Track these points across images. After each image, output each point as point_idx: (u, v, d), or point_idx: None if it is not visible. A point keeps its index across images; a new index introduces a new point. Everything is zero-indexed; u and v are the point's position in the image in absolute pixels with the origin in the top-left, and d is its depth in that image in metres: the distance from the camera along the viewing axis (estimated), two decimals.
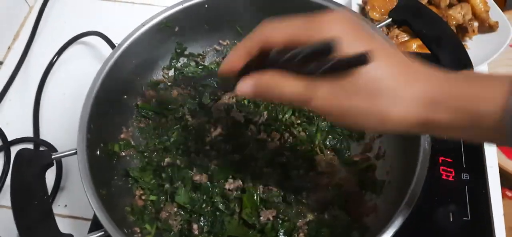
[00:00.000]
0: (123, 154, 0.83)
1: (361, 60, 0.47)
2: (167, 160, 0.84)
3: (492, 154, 0.91)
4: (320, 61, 0.49)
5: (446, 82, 0.50)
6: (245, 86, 0.55)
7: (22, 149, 0.71)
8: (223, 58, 0.94)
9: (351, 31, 0.50)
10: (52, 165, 0.71)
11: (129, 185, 0.81)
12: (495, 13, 1.10)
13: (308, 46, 0.49)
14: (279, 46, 0.53)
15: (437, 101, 0.49)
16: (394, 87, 0.49)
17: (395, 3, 0.85)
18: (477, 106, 0.47)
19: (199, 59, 0.94)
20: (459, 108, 0.48)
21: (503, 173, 1.05)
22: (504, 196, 1.08)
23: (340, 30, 0.49)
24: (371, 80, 0.49)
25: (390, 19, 0.82)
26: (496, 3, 1.12)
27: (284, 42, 0.52)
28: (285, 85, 0.52)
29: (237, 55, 0.58)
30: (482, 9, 1.10)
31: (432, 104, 0.49)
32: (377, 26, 0.80)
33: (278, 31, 0.53)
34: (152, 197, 0.80)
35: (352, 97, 0.50)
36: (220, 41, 0.94)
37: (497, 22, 1.08)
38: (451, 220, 0.82)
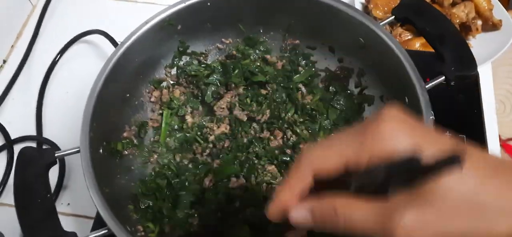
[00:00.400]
0: (126, 152, 0.83)
1: (452, 163, 0.37)
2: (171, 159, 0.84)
3: (494, 152, 0.91)
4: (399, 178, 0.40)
5: None
6: (300, 213, 0.45)
7: (25, 147, 0.71)
8: (226, 56, 0.94)
9: (419, 134, 0.41)
10: (55, 163, 0.71)
11: (132, 184, 0.81)
12: (499, 12, 1.10)
13: (389, 164, 0.40)
14: (331, 175, 0.44)
15: None
16: (494, 197, 0.40)
17: (398, 1, 0.84)
18: None
19: (201, 57, 0.93)
20: None
21: None
22: None
23: (406, 136, 0.41)
24: (465, 194, 0.39)
25: (393, 17, 0.82)
26: (500, 1, 1.11)
27: (339, 169, 0.43)
28: (352, 211, 0.42)
29: (287, 193, 0.47)
30: (486, 8, 1.09)
31: None
32: (380, 24, 0.80)
33: (328, 158, 0.44)
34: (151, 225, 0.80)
35: (448, 218, 0.39)
36: (223, 39, 0.94)
37: (500, 21, 1.08)
38: None
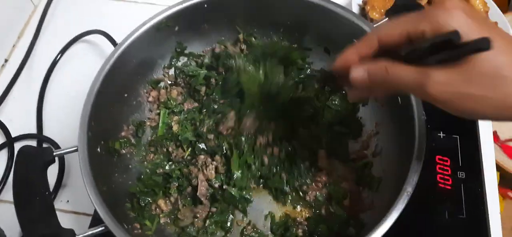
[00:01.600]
0: (124, 151, 0.85)
1: (482, 45, 0.47)
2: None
3: (488, 153, 0.91)
4: (441, 53, 0.50)
5: None
6: (359, 72, 0.57)
7: (25, 146, 0.73)
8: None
9: (469, 20, 0.50)
10: (54, 161, 0.72)
11: (130, 182, 0.83)
12: (495, 14, 1.10)
13: (433, 38, 0.51)
14: (395, 42, 0.55)
15: None
16: None
17: None
18: None
19: (199, 59, 0.95)
20: None
21: (505, 174, 1.06)
22: (506, 196, 1.09)
23: (458, 20, 0.50)
24: (492, 67, 0.49)
25: (387, 19, 0.83)
26: (498, 4, 1.12)
27: (401, 38, 0.54)
28: (399, 70, 0.53)
29: (353, 52, 0.59)
30: (482, 10, 1.10)
31: None
32: (375, 26, 0.81)
33: (394, 28, 0.55)
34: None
35: (470, 84, 0.50)
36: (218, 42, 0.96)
37: (496, 23, 1.08)
38: (447, 217, 0.83)
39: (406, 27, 0.53)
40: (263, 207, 0.85)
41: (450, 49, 0.49)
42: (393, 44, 0.55)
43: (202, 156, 0.85)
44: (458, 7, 0.50)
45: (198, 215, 0.81)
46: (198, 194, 0.81)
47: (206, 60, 0.94)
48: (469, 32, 0.49)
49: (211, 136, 0.87)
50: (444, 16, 0.50)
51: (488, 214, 0.83)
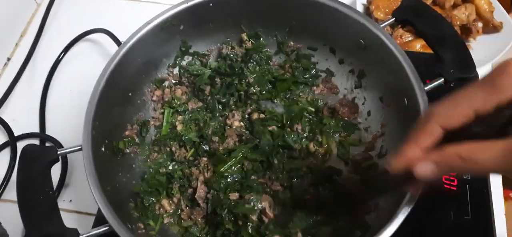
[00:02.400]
0: (128, 150, 0.84)
1: None
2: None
3: None
4: None
5: None
6: (427, 167, 0.49)
7: (28, 145, 0.72)
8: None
9: None
10: (58, 161, 0.72)
11: (134, 182, 0.82)
12: (500, 14, 1.10)
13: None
14: (460, 125, 0.48)
15: None
16: None
17: (399, 3, 0.85)
18: None
19: (204, 59, 0.94)
20: None
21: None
22: (508, 198, 1.08)
23: None
24: None
25: (394, 19, 0.83)
26: (503, 4, 1.11)
27: (467, 118, 0.48)
28: (479, 152, 0.46)
29: (414, 147, 0.52)
30: (487, 10, 1.10)
31: None
32: (381, 26, 0.80)
33: (456, 109, 0.49)
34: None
35: None
36: (223, 45, 0.95)
37: (501, 23, 1.08)
38: (452, 218, 0.82)
39: (473, 105, 0.47)
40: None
41: None
42: (458, 126, 0.49)
43: (204, 159, 0.85)
44: None
45: (193, 217, 0.81)
46: (196, 196, 0.80)
47: (211, 60, 0.94)
48: None
49: (215, 138, 0.86)
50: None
51: (493, 215, 0.83)
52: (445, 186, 0.86)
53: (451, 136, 0.49)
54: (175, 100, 0.90)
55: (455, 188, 0.86)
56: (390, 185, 0.64)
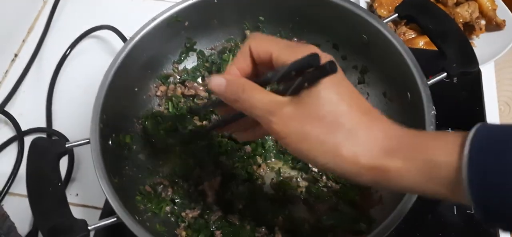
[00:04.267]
0: (134, 145, 0.85)
1: (328, 68, 0.45)
2: None
3: None
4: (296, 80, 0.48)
5: (405, 134, 0.49)
6: (218, 81, 0.54)
7: (37, 137, 0.74)
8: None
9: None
10: (66, 154, 0.73)
11: (140, 175, 0.83)
12: (503, 12, 1.11)
13: (292, 63, 0.49)
14: (262, 59, 0.54)
15: (394, 149, 0.47)
16: (354, 124, 0.48)
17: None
18: (433, 155, 0.45)
19: (207, 63, 0.96)
20: (415, 157, 0.46)
21: None
22: None
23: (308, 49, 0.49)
24: (334, 110, 0.47)
25: (396, 15, 0.83)
26: (506, 2, 1.12)
27: (266, 55, 0.53)
28: (255, 93, 0.51)
29: (232, 65, 0.57)
30: (490, 8, 1.10)
31: (388, 151, 0.47)
32: (384, 22, 0.81)
33: (262, 42, 0.54)
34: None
35: (313, 122, 0.48)
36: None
37: (504, 21, 1.09)
38: (455, 213, 0.83)
39: (271, 47, 0.52)
40: None
41: (305, 76, 0.47)
42: (261, 61, 0.54)
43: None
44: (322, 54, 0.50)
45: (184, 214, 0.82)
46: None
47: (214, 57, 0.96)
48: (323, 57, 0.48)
49: None
50: (310, 49, 0.49)
51: None
52: None
53: None
54: (174, 98, 0.91)
55: None
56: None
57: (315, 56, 0.46)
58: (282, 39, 0.54)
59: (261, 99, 0.50)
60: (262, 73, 0.56)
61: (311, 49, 0.50)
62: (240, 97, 0.51)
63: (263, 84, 0.53)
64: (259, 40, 0.54)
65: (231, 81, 0.53)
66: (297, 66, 0.48)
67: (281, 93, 0.50)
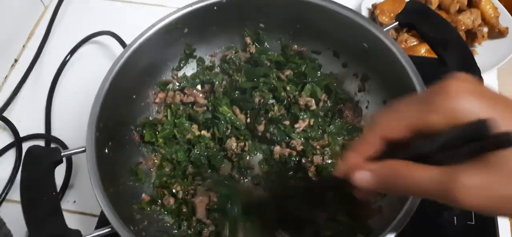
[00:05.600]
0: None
1: (506, 141, 0.40)
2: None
3: None
4: (462, 147, 0.42)
5: None
6: (363, 176, 0.49)
7: (32, 146, 0.73)
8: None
9: (483, 103, 0.42)
10: (62, 162, 0.72)
11: (137, 184, 0.83)
12: (505, 19, 1.10)
13: (452, 131, 0.42)
14: (402, 138, 0.47)
15: None
16: None
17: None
18: None
19: (207, 71, 0.96)
20: None
21: None
22: None
23: (473, 105, 0.42)
24: None
25: (397, 23, 0.83)
26: (508, 9, 1.11)
27: (408, 132, 0.46)
28: (415, 173, 0.45)
29: (355, 155, 0.51)
30: (492, 15, 1.09)
31: None
32: (384, 30, 0.80)
33: (396, 122, 0.47)
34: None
35: (508, 183, 0.41)
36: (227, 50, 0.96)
37: (507, 28, 1.08)
38: (455, 223, 0.82)
39: (411, 120, 0.45)
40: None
41: (473, 142, 0.41)
42: (400, 140, 0.47)
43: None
44: (466, 90, 0.43)
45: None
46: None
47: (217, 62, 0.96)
48: (496, 119, 0.40)
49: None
50: (453, 103, 0.42)
51: (497, 221, 0.83)
52: None
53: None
54: (172, 106, 0.91)
55: None
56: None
57: (483, 125, 0.40)
58: (408, 101, 0.47)
59: (428, 178, 0.44)
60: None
61: (457, 107, 0.42)
62: (396, 184, 0.46)
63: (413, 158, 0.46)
64: (391, 120, 0.48)
65: (378, 171, 0.48)
66: (463, 136, 0.42)
67: (437, 162, 0.44)
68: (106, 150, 0.76)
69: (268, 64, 0.93)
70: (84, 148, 0.71)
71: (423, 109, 0.45)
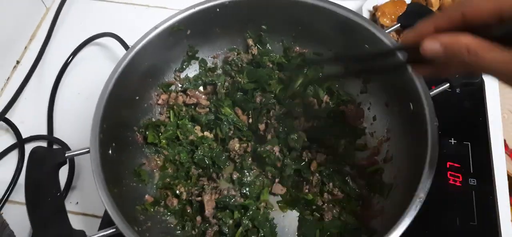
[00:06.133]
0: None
1: None
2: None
3: (500, 160, 0.91)
4: None
5: None
6: (433, 44, 0.50)
7: (37, 147, 0.73)
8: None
9: None
10: (65, 163, 0.72)
11: (140, 185, 0.83)
12: None
13: None
14: (483, 20, 0.48)
15: None
16: None
17: (405, 9, 0.85)
18: None
19: (209, 73, 0.96)
20: None
21: None
22: None
23: None
24: None
25: (399, 24, 0.83)
26: None
27: (492, 16, 0.47)
28: (489, 54, 0.46)
29: (429, 23, 0.52)
30: None
31: None
32: (386, 31, 0.81)
33: (484, 3, 0.48)
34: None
35: None
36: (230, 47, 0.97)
37: None
38: (458, 224, 0.82)
39: (500, 3, 0.46)
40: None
41: None
42: (480, 22, 0.48)
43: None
44: None
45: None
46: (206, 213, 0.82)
47: (219, 64, 0.96)
48: None
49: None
50: None
51: (499, 222, 0.83)
52: (451, 191, 0.86)
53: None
54: (175, 107, 0.91)
55: (460, 194, 0.86)
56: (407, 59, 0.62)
57: None
58: None
59: (503, 59, 0.46)
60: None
61: None
62: (466, 59, 0.48)
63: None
64: (480, 1, 0.48)
65: (450, 45, 0.49)
66: None
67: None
68: (110, 151, 0.76)
69: (271, 66, 0.94)
70: (88, 149, 0.71)
71: None
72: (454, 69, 0.58)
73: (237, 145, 0.87)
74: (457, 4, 0.50)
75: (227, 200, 0.81)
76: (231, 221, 0.80)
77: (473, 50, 0.47)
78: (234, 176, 0.86)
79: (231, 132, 0.89)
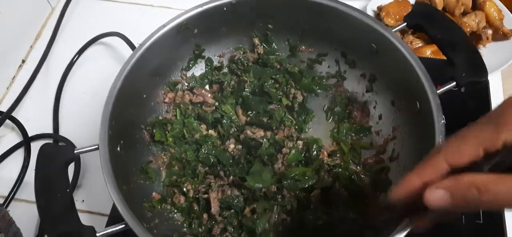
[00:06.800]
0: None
1: None
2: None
3: None
4: None
5: None
6: (438, 194, 0.46)
7: (46, 143, 0.73)
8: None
9: None
10: (74, 160, 0.73)
11: (148, 182, 0.83)
12: (509, 22, 1.11)
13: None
14: (471, 160, 0.46)
15: None
16: None
17: (409, 9, 0.86)
18: None
19: (215, 72, 0.97)
20: None
21: None
22: None
23: None
24: None
25: (405, 24, 0.83)
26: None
27: (475, 157, 0.46)
28: (498, 186, 0.43)
29: (416, 179, 0.50)
30: (496, 17, 1.10)
31: None
32: (392, 30, 0.81)
33: (464, 148, 0.47)
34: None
35: None
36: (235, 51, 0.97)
37: (511, 31, 1.09)
38: (464, 222, 0.83)
39: (481, 143, 0.45)
40: None
41: None
42: (467, 164, 0.47)
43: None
44: None
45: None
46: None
47: (225, 62, 0.96)
48: None
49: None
50: None
51: (505, 220, 0.83)
52: None
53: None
54: (182, 105, 0.91)
55: None
56: (393, 219, 0.63)
57: None
58: (474, 126, 0.47)
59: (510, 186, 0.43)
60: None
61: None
62: (478, 198, 0.44)
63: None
64: (459, 147, 0.47)
65: (455, 189, 0.46)
66: None
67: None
68: (118, 148, 0.76)
69: (278, 66, 0.94)
70: (96, 146, 0.71)
71: (492, 133, 0.45)
72: (460, 213, 0.58)
73: (232, 145, 0.88)
74: (437, 152, 0.49)
75: (231, 200, 0.82)
76: (236, 222, 0.81)
77: (483, 186, 0.44)
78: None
79: (233, 129, 0.90)
